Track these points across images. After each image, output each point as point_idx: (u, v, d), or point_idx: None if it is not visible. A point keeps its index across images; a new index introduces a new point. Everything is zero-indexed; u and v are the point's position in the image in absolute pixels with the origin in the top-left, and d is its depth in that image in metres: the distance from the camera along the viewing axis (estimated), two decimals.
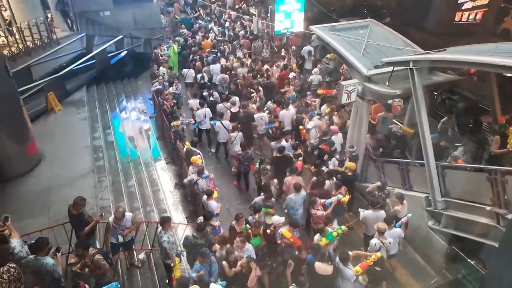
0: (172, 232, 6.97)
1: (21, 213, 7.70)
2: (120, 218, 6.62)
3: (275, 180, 9.25)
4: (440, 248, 7.73)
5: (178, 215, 8.99)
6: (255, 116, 10.70)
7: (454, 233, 7.44)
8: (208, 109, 10.97)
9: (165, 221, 6.61)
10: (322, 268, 6.21)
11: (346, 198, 7.93)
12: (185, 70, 13.86)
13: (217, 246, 6.68)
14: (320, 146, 9.72)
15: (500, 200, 6.45)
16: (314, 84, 12.91)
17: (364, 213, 7.56)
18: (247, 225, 7.11)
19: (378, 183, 8.19)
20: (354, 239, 8.24)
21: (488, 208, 6.61)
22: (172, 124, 10.31)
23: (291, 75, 13.04)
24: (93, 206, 7.93)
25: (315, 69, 13.34)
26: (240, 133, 10.08)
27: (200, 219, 7.29)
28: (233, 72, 13.66)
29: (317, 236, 7.06)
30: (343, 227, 6.99)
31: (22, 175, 8.86)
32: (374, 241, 6.66)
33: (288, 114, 10.82)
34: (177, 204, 9.42)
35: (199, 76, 13.40)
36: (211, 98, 11.98)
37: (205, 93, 12.13)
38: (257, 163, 9.30)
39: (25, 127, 9.02)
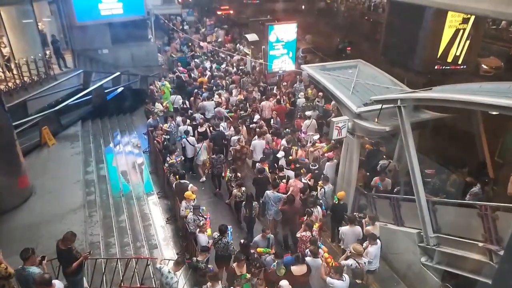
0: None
1: (9, 249, 7.42)
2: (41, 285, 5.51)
3: (243, 188, 9.71)
4: (433, 285, 7.63)
5: (169, 251, 8.82)
6: (232, 138, 11.81)
7: (447, 269, 7.38)
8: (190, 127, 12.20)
9: (181, 263, 6.75)
10: (298, 270, 6.82)
11: (317, 225, 8.28)
12: (172, 97, 15.00)
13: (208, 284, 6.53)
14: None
15: (492, 236, 6.45)
16: (300, 106, 14.00)
17: (342, 229, 8.22)
18: (247, 274, 6.89)
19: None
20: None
21: (480, 244, 6.60)
22: (168, 161, 10.48)
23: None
24: (82, 242, 7.77)
25: (301, 93, 14.48)
26: (205, 144, 11.46)
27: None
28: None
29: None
30: None
31: (12, 209, 8.72)
32: (350, 261, 7.08)
33: (259, 143, 11.39)
34: (168, 239, 9.27)
35: (180, 101, 14.75)
36: (194, 122, 12.81)
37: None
38: (228, 172, 10.22)
39: (17, 160, 8.98)
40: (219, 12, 35.62)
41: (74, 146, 11.64)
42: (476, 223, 6.71)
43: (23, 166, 9.21)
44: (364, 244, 7.52)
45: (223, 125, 12.58)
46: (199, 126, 12.27)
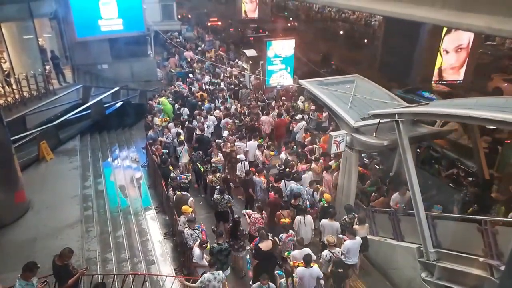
0: None
1: (3, 265, 7.41)
2: None
3: (218, 174, 10.57)
4: None
5: (166, 267, 8.70)
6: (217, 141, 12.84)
7: (448, 285, 7.29)
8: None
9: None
10: (265, 245, 7.45)
11: (287, 220, 8.63)
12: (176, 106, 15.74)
13: None
14: None
15: (492, 251, 6.41)
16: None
17: (322, 221, 8.62)
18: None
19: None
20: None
21: (481, 259, 6.56)
22: (171, 177, 10.46)
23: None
24: (79, 258, 7.66)
25: (301, 97, 15.37)
26: (186, 147, 12.15)
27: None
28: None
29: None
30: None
31: (8, 224, 8.63)
32: (325, 252, 7.74)
33: (252, 145, 12.12)
34: (166, 255, 9.15)
35: (180, 110, 15.44)
36: (190, 125, 13.84)
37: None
38: (203, 166, 11.03)
39: (15, 175, 8.94)
40: (209, 24, 36.36)
41: (72, 160, 11.59)
42: (477, 237, 6.64)
43: (21, 181, 9.15)
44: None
45: (208, 124, 13.33)
46: (197, 129, 13.15)
